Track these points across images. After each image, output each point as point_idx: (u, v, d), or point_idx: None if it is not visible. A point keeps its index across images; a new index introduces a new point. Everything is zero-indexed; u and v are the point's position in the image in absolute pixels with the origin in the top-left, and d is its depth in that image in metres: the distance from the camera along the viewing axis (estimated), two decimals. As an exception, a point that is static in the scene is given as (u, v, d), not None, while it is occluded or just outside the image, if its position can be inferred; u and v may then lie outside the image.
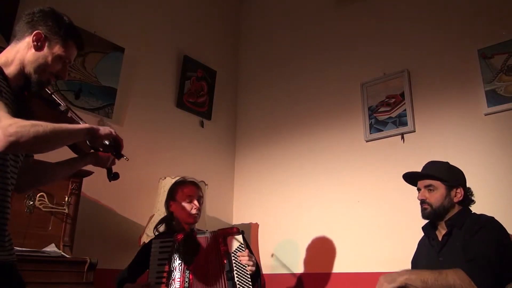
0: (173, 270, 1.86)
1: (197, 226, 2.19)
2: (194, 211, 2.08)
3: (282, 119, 3.37)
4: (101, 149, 1.37)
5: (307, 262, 2.87)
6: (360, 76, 2.94)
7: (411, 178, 1.92)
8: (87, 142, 1.32)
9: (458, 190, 1.78)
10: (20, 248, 1.83)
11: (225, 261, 1.89)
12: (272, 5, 3.83)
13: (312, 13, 3.46)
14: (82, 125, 1.27)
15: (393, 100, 2.73)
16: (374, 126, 2.77)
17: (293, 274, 2.89)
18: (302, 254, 2.90)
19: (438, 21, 2.69)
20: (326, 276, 2.73)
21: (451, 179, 1.79)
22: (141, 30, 3.11)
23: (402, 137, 2.63)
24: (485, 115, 2.35)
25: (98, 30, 2.77)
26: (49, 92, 1.32)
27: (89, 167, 2.15)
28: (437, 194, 1.78)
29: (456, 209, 1.78)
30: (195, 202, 2.10)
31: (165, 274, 1.86)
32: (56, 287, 1.85)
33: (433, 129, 2.54)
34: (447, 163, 1.86)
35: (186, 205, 2.09)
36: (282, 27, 3.65)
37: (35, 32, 1.25)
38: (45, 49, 1.26)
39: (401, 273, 1.60)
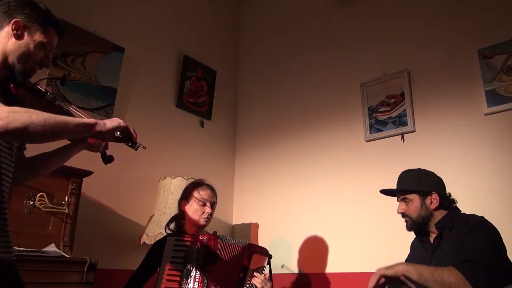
0: (191, 270, 1.84)
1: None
2: (205, 215, 2.07)
3: (282, 119, 3.37)
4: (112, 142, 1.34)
5: (307, 262, 2.87)
6: (360, 76, 2.94)
7: (386, 193, 1.93)
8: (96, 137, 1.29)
9: (433, 197, 1.76)
10: (20, 248, 1.83)
11: (241, 275, 1.89)
12: (272, 5, 3.83)
13: (312, 13, 3.46)
14: (85, 120, 1.23)
15: (393, 100, 2.73)
16: (374, 126, 2.77)
17: (294, 274, 2.89)
18: (302, 254, 2.91)
19: (438, 21, 2.69)
20: (327, 276, 2.73)
21: (422, 188, 1.78)
22: (141, 30, 3.11)
23: (402, 137, 2.63)
24: (485, 115, 2.35)
25: (98, 30, 2.77)
26: (33, 82, 1.30)
27: (89, 167, 2.17)
28: (413, 205, 1.78)
29: (438, 214, 1.76)
30: (208, 206, 2.09)
31: (179, 273, 1.84)
32: (56, 287, 1.85)
33: (433, 129, 2.54)
34: (418, 170, 1.85)
35: (198, 208, 2.08)
36: (282, 27, 3.65)
37: (13, 21, 1.22)
38: (26, 37, 1.23)
39: (398, 263, 1.63)
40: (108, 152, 1.45)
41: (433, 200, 1.76)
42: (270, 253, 2.03)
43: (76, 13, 2.67)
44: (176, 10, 3.43)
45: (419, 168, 1.86)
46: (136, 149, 1.35)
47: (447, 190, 1.81)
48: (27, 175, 1.40)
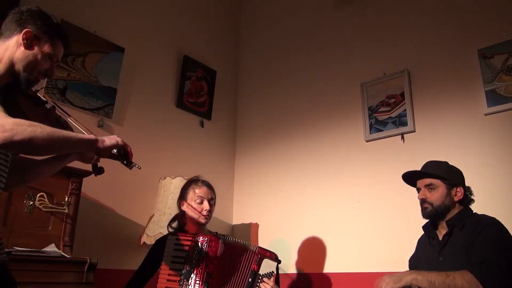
0: (192, 271, 1.82)
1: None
2: (204, 213, 2.07)
3: (282, 119, 3.37)
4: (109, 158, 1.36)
5: (307, 262, 2.87)
6: (360, 76, 2.94)
7: (410, 177, 1.91)
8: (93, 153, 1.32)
9: (458, 189, 1.78)
10: (20, 248, 1.83)
11: (250, 280, 1.88)
12: (272, 5, 3.83)
13: (312, 13, 3.46)
14: (86, 136, 1.26)
15: (393, 100, 2.73)
16: (374, 126, 2.77)
17: (294, 274, 2.89)
18: (303, 254, 2.90)
19: (438, 21, 2.69)
20: (327, 276, 2.73)
21: (451, 178, 1.79)
22: (141, 30, 3.11)
23: (402, 137, 2.63)
24: (485, 115, 2.35)
25: (98, 30, 2.77)
26: (34, 90, 1.32)
27: (89, 167, 2.17)
28: (438, 193, 1.77)
29: (457, 208, 1.77)
30: (206, 203, 2.08)
31: (179, 273, 1.83)
32: (56, 287, 1.85)
33: (433, 129, 2.54)
34: (446, 162, 1.86)
35: (196, 206, 2.07)
36: (282, 27, 3.65)
37: (25, 31, 1.25)
38: (35, 48, 1.27)
39: (407, 273, 1.61)
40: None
41: (458, 192, 1.77)
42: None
43: (76, 13, 2.67)
44: (176, 10, 3.43)
45: (447, 162, 1.86)
46: (130, 168, 1.37)
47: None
48: (17, 181, 1.41)
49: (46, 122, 1.20)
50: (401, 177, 1.94)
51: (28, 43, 1.25)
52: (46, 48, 1.28)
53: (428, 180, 1.81)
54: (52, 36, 1.30)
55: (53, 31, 1.31)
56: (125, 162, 1.35)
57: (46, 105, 1.32)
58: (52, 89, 2.48)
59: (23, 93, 1.28)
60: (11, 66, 1.24)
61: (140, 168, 1.36)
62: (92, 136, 1.26)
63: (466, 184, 1.84)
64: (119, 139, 1.30)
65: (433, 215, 1.79)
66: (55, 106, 1.34)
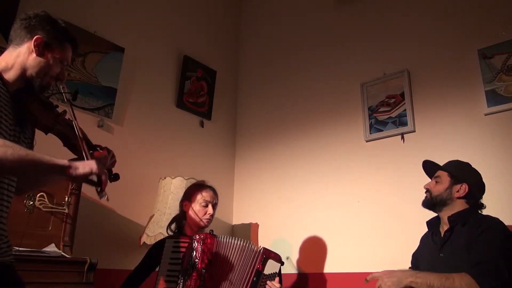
0: (189, 268, 1.85)
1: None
2: (207, 216, 2.12)
3: (282, 119, 3.37)
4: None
5: (307, 262, 2.87)
6: (360, 76, 2.94)
7: (427, 168, 1.97)
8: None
9: (462, 186, 1.78)
10: (20, 248, 1.83)
11: (254, 279, 1.91)
12: (272, 5, 3.83)
13: (312, 13, 3.46)
14: (60, 161, 1.16)
15: (393, 100, 2.73)
16: (374, 126, 2.77)
17: (294, 274, 2.89)
18: (303, 254, 2.91)
19: (438, 21, 2.69)
20: (327, 276, 2.73)
21: (457, 175, 1.81)
22: (141, 30, 3.11)
23: (402, 137, 2.63)
24: (485, 115, 2.35)
25: (98, 30, 2.78)
26: (45, 95, 1.35)
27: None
28: (441, 186, 1.82)
29: (458, 205, 1.78)
30: (210, 207, 2.13)
31: (176, 273, 1.86)
32: (56, 287, 1.85)
33: (433, 129, 2.54)
34: (467, 163, 1.88)
35: (200, 209, 2.12)
36: (282, 27, 3.65)
37: (35, 37, 1.27)
38: (46, 53, 1.29)
39: (406, 274, 1.62)
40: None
41: (460, 189, 1.79)
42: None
43: (76, 13, 2.67)
44: (176, 10, 3.43)
45: (469, 163, 1.89)
46: (100, 198, 1.25)
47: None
48: (28, 185, 1.41)
49: (57, 125, 1.22)
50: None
51: (40, 50, 1.27)
52: (57, 53, 1.31)
53: (438, 173, 1.88)
54: (62, 40, 1.32)
55: (62, 35, 1.33)
56: (97, 190, 1.24)
57: (57, 109, 1.34)
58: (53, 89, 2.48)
59: (35, 98, 1.29)
60: (23, 72, 1.26)
61: (108, 199, 1.25)
62: (65, 162, 1.17)
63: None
64: (94, 167, 1.18)
65: (428, 203, 1.85)
66: (65, 111, 1.36)
